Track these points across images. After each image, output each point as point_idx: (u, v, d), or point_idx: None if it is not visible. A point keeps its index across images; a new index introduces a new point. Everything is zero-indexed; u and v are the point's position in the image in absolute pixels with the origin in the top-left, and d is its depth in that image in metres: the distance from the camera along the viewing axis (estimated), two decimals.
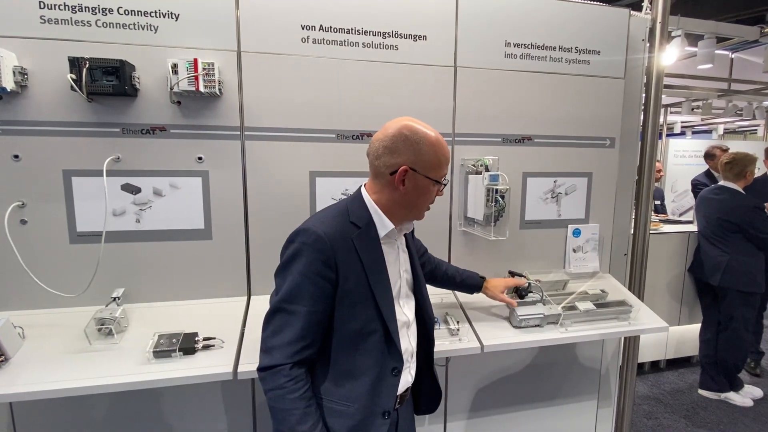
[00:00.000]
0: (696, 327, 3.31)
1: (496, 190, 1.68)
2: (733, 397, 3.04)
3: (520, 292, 1.68)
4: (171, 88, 1.46)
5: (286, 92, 1.60)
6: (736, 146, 4.74)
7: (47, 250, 1.49)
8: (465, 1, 1.73)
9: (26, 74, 1.40)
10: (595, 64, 1.91)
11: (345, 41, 1.63)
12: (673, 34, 3.82)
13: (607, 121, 1.97)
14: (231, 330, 1.45)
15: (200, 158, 1.56)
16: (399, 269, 1.20)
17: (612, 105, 1.96)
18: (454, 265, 1.62)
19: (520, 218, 1.93)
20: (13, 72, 1.36)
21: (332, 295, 1.07)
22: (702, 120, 10.28)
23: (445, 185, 1.17)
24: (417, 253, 1.37)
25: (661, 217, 4.05)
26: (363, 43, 1.65)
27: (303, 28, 1.59)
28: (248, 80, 1.57)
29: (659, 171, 4.59)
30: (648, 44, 2.02)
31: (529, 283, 1.68)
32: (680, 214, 5.50)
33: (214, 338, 1.38)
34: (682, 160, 6.07)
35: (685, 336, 3.44)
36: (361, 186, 1.17)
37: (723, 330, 2.99)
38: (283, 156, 1.63)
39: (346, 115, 1.67)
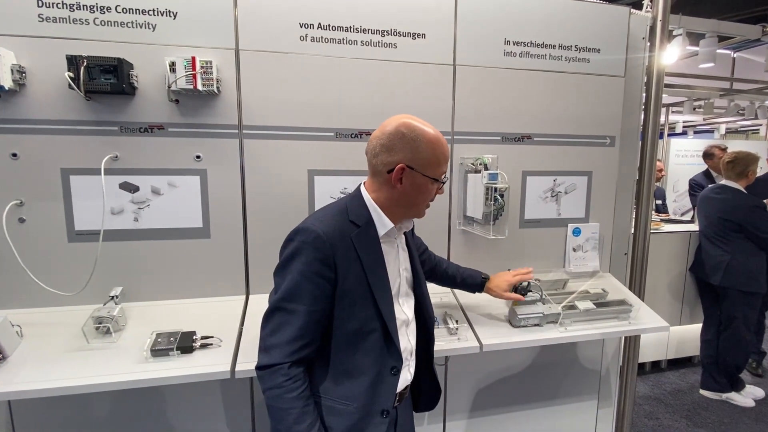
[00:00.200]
0: (697, 327, 3.29)
1: (496, 188, 1.67)
2: (734, 397, 3.03)
3: (519, 292, 1.67)
4: (169, 87, 1.46)
5: (284, 91, 1.60)
6: (738, 146, 4.74)
7: (45, 248, 1.49)
8: None
9: (24, 72, 1.40)
10: (595, 63, 1.90)
11: (343, 39, 1.63)
12: (674, 32, 3.81)
13: (607, 120, 1.96)
14: (229, 329, 1.45)
15: (198, 157, 1.56)
16: (398, 268, 1.20)
17: (612, 104, 1.95)
18: (456, 264, 1.60)
19: (520, 217, 1.92)
20: (11, 70, 1.36)
21: (331, 294, 1.07)
22: (704, 119, 10.26)
23: (444, 183, 1.16)
24: (417, 250, 1.36)
25: (662, 216, 4.04)
26: (362, 42, 1.64)
27: (301, 27, 1.59)
28: (246, 78, 1.56)
29: (660, 170, 4.59)
30: (648, 43, 2.01)
31: (529, 282, 1.67)
32: (682, 214, 5.50)
33: (212, 337, 1.38)
34: (684, 159, 6.08)
35: (686, 336, 3.43)
36: (360, 184, 1.17)
37: (724, 330, 2.97)
38: (281, 154, 1.63)
39: (345, 113, 1.66)
